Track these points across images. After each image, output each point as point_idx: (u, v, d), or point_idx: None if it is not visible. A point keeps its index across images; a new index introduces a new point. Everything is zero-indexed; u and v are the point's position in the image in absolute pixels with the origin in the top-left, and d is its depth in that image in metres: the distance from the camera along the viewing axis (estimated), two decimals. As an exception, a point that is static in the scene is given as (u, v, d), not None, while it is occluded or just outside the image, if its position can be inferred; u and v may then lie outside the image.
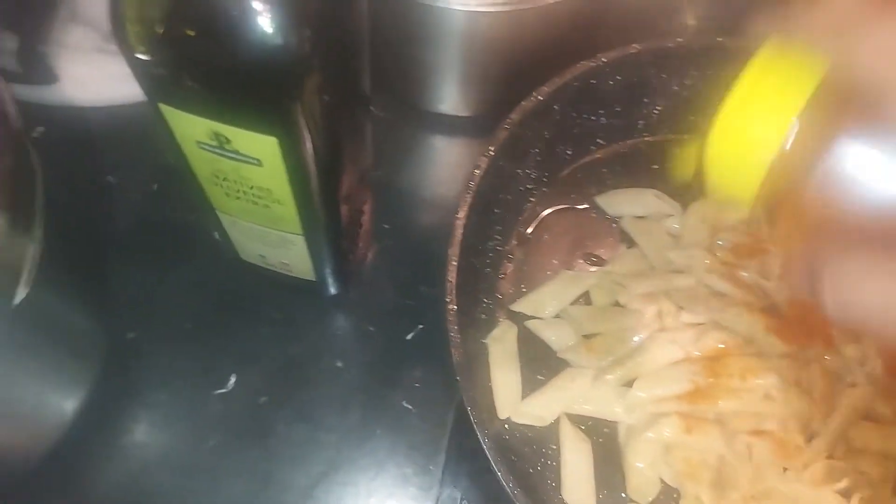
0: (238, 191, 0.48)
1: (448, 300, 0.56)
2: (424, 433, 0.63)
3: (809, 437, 0.58)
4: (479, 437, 0.51)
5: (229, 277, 0.66)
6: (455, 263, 0.57)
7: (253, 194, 0.48)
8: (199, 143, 0.44)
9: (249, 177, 0.46)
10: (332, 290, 0.65)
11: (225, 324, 0.66)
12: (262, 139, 0.41)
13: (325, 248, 0.56)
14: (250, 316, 0.66)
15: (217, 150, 0.44)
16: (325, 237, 0.55)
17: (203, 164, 0.46)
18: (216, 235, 0.59)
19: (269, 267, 0.60)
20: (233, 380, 0.64)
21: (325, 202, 0.50)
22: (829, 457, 0.57)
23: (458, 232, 0.57)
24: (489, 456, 0.51)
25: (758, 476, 0.56)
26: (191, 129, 0.42)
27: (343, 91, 0.48)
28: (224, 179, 0.47)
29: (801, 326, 0.58)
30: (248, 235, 0.55)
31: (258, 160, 0.43)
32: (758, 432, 0.56)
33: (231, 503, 0.59)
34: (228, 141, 0.42)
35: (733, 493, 0.56)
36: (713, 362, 0.58)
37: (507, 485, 0.50)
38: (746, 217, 0.67)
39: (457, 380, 0.53)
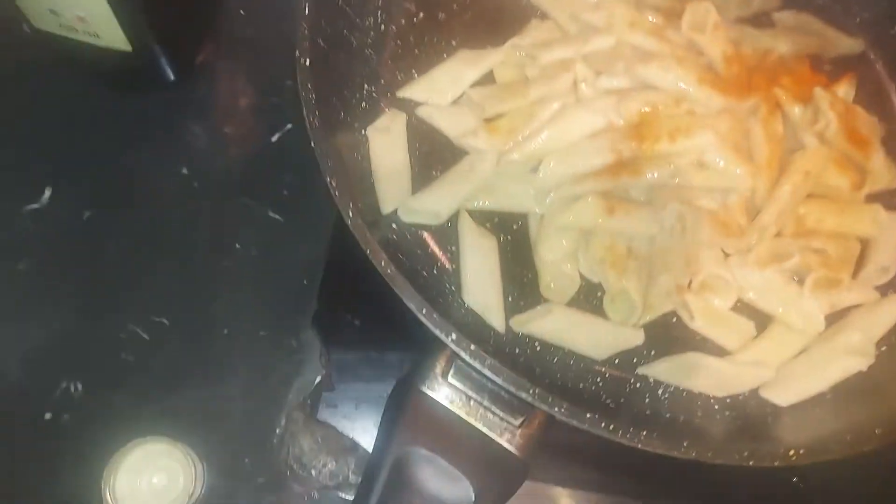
0: None
1: (299, 64, 0.44)
2: (297, 245, 0.51)
3: (752, 215, 0.49)
4: (350, 226, 0.40)
5: (38, 75, 0.53)
6: (307, 24, 0.45)
7: None
8: None
9: None
10: (170, 76, 0.52)
11: (36, 125, 0.52)
12: None
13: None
14: (68, 115, 0.52)
15: None
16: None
17: None
18: None
19: (71, 36, 0.46)
20: (47, 193, 0.50)
21: None
22: (776, 235, 0.48)
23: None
24: (369, 252, 0.39)
25: (693, 258, 0.47)
26: None
27: None
28: None
29: (742, 83, 0.48)
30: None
31: None
32: (691, 205, 0.47)
33: (45, 341, 0.47)
34: None
35: (664, 280, 0.47)
36: (638, 127, 0.47)
37: (379, 265, 0.39)
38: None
39: (327, 181, 0.41)
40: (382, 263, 0.39)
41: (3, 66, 0.53)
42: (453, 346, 0.38)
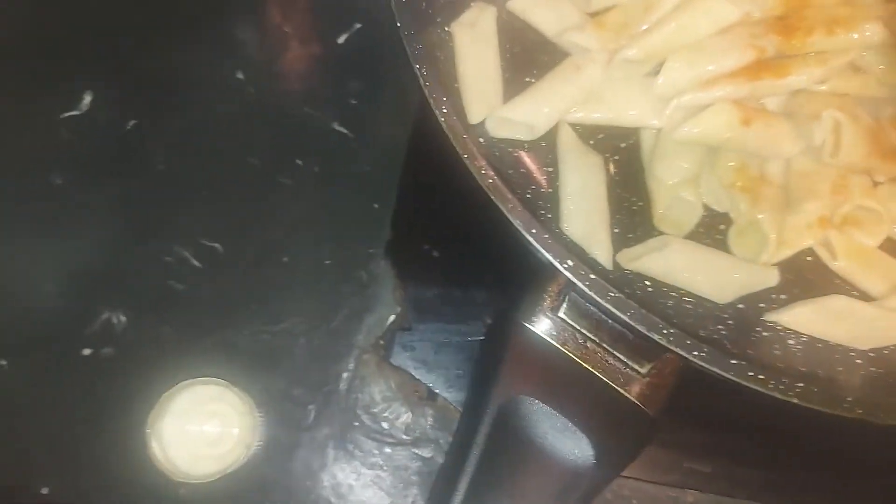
0: None
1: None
2: (366, 164, 0.44)
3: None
4: (446, 130, 0.33)
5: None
6: None
7: None
8: None
9: None
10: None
11: (71, 22, 0.45)
12: None
13: None
14: (112, 16, 0.46)
15: None
16: None
17: None
18: None
19: None
20: (87, 99, 0.44)
21: None
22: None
23: None
24: (465, 156, 0.33)
25: (842, 185, 0.39)
26: None
27: None
28: None
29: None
30: None
31: None
32: (852, 119, 0.38)
33: (83, 265, 0.41)
34: None
35: (807, 211, 0.39)
36: (783, 20, 0.39)
37: (490, 186, 0.32)
38: None
39: (416, 71, 0.34)
40: (483, 171, 0.32)
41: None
42: (568, 275, 0.31)
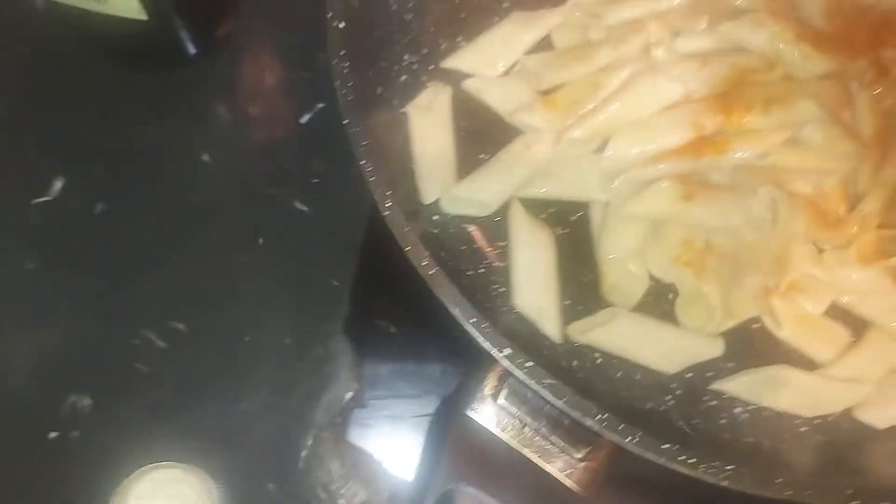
0: None
1: (330, 28, 0.38)
2: (327, 241, 0.46)
3: (853, 203, 0.41)
4: (388, 224, 0.35)
5: (45, 52, 0.48)
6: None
7: None
8: None
9: None
10: (190, 50, 0.47)
11: (44, 108, 0.47)
12: None
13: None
14: (79, 94, 0.48)
15: None
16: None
17: None
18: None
19: (80, 5, 0.41)
20: (57, 184, 0.46)
21: None
22: (882, 226, 0.41)
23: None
24: (407, 248, 0.34)
25: (784, 255, 0.40)
26: None
27: None
28: None
29: (843, 40, 0.41)
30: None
31: None
32: (787, 195, 0.40)
33: (53, 348, 0.43)
34: None
35: (750, 283, 0.40)
36: (724, 98, 0.40)
37: (421, 267, 0.33)
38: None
39: (362, 167, 0.36)
40: (423, 263, 0.34)
41: (9, 43, 0.48)
42: (506, 363, 0.32)
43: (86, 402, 0.41)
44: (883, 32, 0.44)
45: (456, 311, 0.33)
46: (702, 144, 0.40)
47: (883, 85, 0.42)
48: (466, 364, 0.36)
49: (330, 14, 0.38)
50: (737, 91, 0.40)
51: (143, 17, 0.42)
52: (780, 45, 0.40)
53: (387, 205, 0.35)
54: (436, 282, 0.33)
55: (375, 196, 0.35)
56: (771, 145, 0.40)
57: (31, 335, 0.43)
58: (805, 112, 0.39)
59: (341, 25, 0.38)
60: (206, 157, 0.47)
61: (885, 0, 0.45)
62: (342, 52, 0.38)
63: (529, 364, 0.32)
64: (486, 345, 0.32)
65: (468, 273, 0.42)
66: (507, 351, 0.32)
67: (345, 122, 0.36)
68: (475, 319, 0.33)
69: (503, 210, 0.43)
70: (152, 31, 0.44)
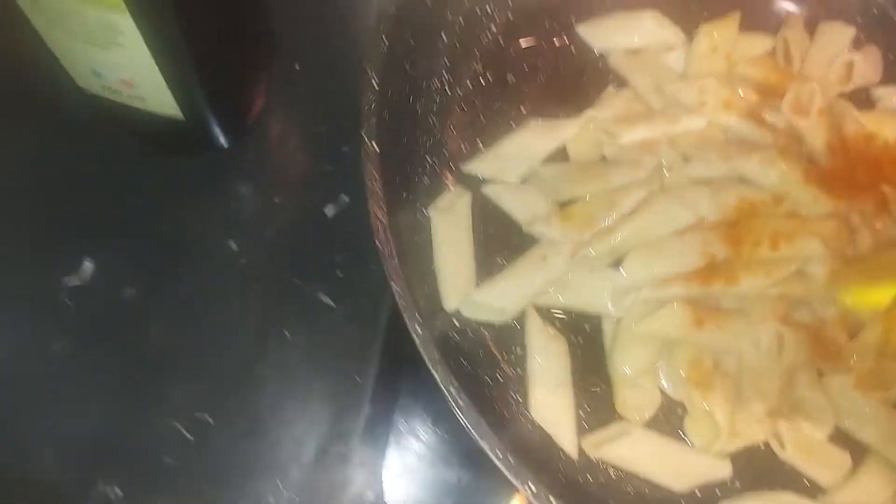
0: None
1: (366, 149, 0.40)
2: (350, 336, 0.47)
3: (854, 332, 0.44)
4: (412, 335, 0.36)
5: (78, 133, 0.49)
6: (374, 97, 0.41)
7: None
8: None
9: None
10: (222, 142, 0.48)
11: (76, 192, 0.49)
12: None
13: (177, 53, 0.38)
14: (110, 181, 0.49)
15: None
16: (170, 27, 0.37)
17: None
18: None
19: (116, 98, 0.43)
20: (88, 266, 0.47)
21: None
22: (881, 356, 0.43)
23: (378, 48, 0.40)
24: (425, 359, 0.36)
25: (788, 384, 0.42)
26: None
27: None
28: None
29: (847, 178, 0.43)
30: (61, 25, 0.37)
31: None
32: (791, 324, 0.42)
33: (81, 434, 0.44)
34: None
35: (756, 407, 0.42)
36: (733, 228, 0.43)
37: (450, 393, 0.35)
38: (772, 47, 0.52)
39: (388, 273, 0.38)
40: (453, 391, 0.36)
41: (46, 125, 0.49)
42: (531, 498, 0.34)
43: (115, 492, 0.42)
44: (883, 164, 0.46)
45: (484, 445, 0.35)
46: (712, 272, 0.42)
47: (882, 218, 0.45)
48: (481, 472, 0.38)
49: (365, 134, 0.40)
50: (746, 223, 0.43)
51: (178, 114, 0.43)
52: (788, 184, 0.43)
53: (418, 332, 0.36)
54: (465, 413, 0.35)
55: (405, 316, 0.37)
56: (777, 279, 0.42)
57: (59, 419, 0.44)
58: (810, 249, 0.42)
59: (376, 147, 0.40)
60: (233, 244, 0.48)
61: (884, 133, 0.48)
62: (376, 175, 0.40)
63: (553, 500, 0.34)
64: (512, 478, 0.34)
65: (487, 380, 0.44)
66: (533, 488, 0.34)
67: (377, 242, 0.38)
68: (500, 450, 0.35)
69: (520, 317, 0.45)
70: (186, 125, 0.45)
